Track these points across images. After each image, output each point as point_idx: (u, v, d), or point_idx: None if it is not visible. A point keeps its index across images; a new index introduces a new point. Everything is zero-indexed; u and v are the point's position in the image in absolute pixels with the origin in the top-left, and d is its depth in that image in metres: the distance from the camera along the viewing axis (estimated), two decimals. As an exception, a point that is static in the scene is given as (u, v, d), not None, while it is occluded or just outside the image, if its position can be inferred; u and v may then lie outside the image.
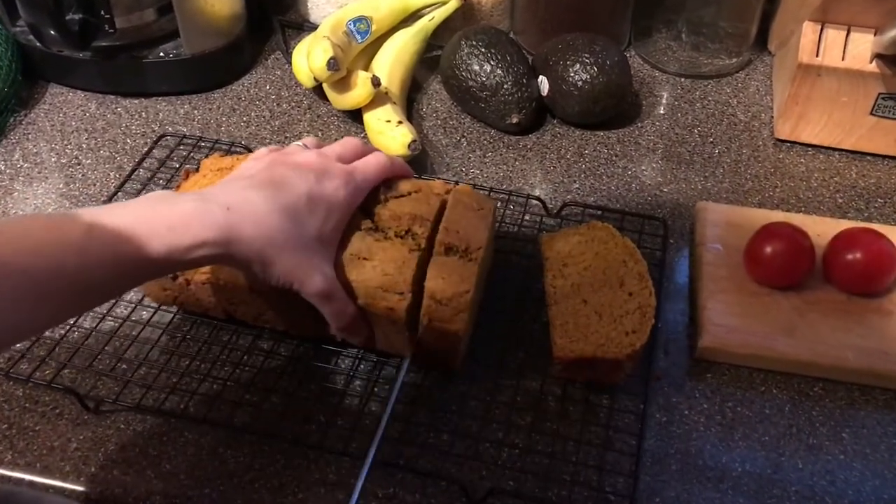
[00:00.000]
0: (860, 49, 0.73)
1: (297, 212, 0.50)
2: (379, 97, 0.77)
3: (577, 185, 0.75)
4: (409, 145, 0.73)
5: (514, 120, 0.78)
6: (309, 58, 0.75)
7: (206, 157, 0.72)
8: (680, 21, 0.88)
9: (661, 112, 0.83)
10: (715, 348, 0.60)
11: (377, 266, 0.55)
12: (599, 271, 0.60)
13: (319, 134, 0.80)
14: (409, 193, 0.59)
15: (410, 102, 0.84)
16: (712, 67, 0.88)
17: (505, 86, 0.78)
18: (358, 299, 0.54)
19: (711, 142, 0.80)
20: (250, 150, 0.75)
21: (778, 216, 0.68)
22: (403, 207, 0.58)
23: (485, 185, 0.73)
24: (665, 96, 0.85)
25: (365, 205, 0.58)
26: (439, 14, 0.85)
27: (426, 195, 0.59)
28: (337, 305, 0.52)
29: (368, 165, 0.56)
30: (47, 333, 0.60)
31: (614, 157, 0.78)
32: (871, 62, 0.72)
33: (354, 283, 0.54)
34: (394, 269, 0.54)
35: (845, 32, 0.73)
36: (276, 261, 0.49)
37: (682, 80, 0.87)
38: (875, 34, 0.72)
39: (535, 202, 0.70)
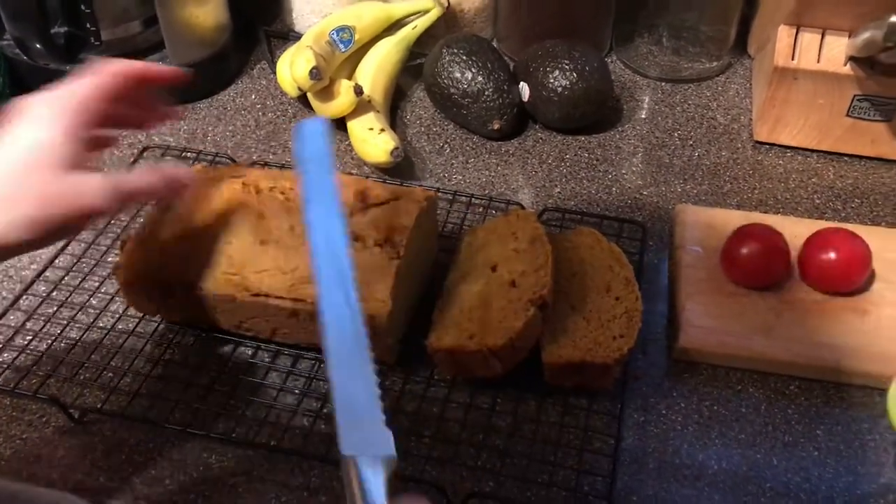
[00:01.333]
0: (835, 52, 0.74)
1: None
2: (362, 105, 0.78)
3: (559, 190, 0.76)
4: (391, 152, 0.74)
5: (496, 126, 0.79)
6: (292, 67, 0.76)
7: (191, 167, 0.73)
8: (661, 26, 0.89)
9: (642, 116, 0.84)
10: (692, 349, 0.61)
11: (357, 275, 0.55)
12: (586, 277, 0.61)
13: (304, 142, 0.81)
14: (389, 201, 0.60)
15: (394, 110, 0.85)
16: (693, 71, 0.89)
17: (486, 92, 0.79)
18: None
19: (691, 145, 0.81)
20: (234, 161, 0.76)
21: (756, 217, 0.69)
22: (382, 216, 0.59)
23: (467, 190, 0.74)
24: (646, 100, 0.86)
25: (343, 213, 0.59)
26: (421, 23, 0.86)
27: (406, 203, 0.60)
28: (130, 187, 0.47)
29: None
30: (33, 344, 0.61)
31: (595, 162, 0.79)
32: (845, 64, 0.73)
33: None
34: (374, 278, 0.55)
35: (820, 36, 0.74)
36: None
37: (663, 84, 0.88)
38: (849, 37, 0.73)
39: (514, 207, 0.70)
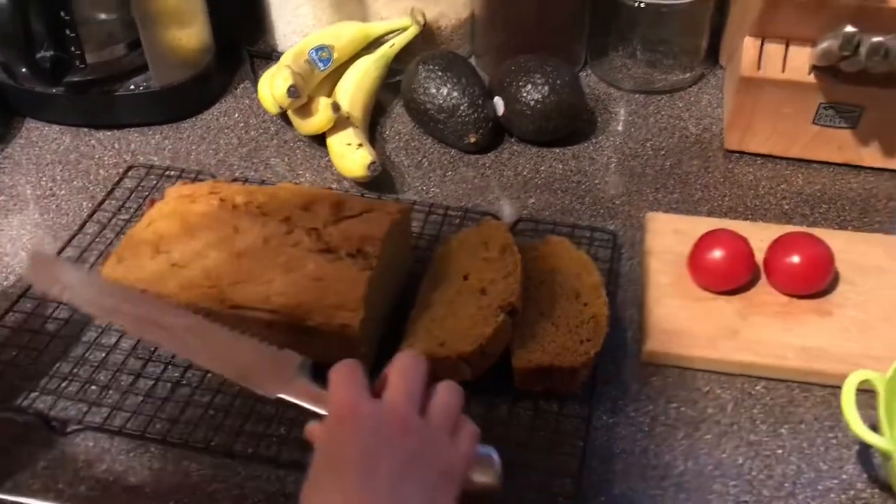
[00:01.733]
0: (799, 61, 0.76)
1: None
2: (341, 122, 0.80)
3: (534, 200, 0.78)
4: (368, 166, 0.76)
5: (472, 140, 0.81)
6: (271, 87, 0.78)
7: (173, 185, 0.75)
8: (634, 39, 0.91)
9: (616, 128, 0.86)
10: (660, 352, 0.62)
11: (330, 285, 0.57)
12: (556, 284, 0.63)
13: (285, 159, 0.83)
14: (361, 213, 0.62)
15: (374, 125, 0.87)
16: (666, 83, 0.91)
17: (461, 107, 0.81)
18: (312, 319, 0.56)
19: (663, 154, 0.82)
20: (214, 178, 0.77)
21: (724, 224, 0.70)
22: (355, 227, 0.61)
23: (444, 203, 0.76)
24: (620, 112, 0.88)
25: (316, 225, 0.60)
26: (399, 41, 0.88)
27: (378, 215, 0.62)
28: None
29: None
30: (18, 359, 0.62)
31: (569, 173, 0.81)
32: (809, 73, 0.75)
33: (308, 302, 0.57)
34: (346, 288, 0.57)
35: (784, 46, 0.76)
36: None
37: (637, 96, 0.90)
38: (812, 47, 0.75)
39: (487, 218, 0.72)
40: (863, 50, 0.66)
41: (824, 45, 0.70)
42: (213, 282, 0.58)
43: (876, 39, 0.66)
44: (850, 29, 0.66)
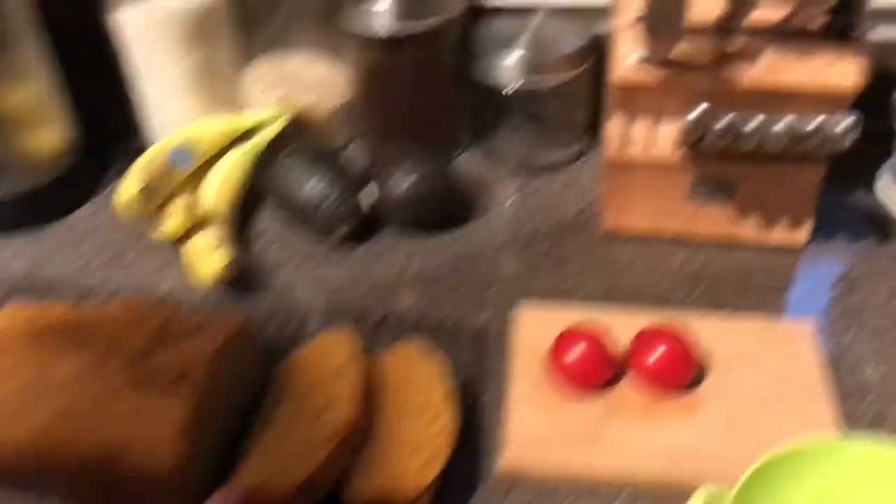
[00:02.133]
0: (666, 139, 0.74)
1: None
2: (200, 222, 0.76)
3: (406, 293, 0.74)
4: (224, 268, 0.72)
5: (341, 232, 0.78)
6: (120, 193, 0.74)
7: (27, 301, 0.71)
8: (517, 116, 0.89)
9: (495, 211, 0.84)
10: (516, 465, 0.58)
11: (145, 422, 0.53)
12: (405, 398, 0.59)
13: (147, 263, 0.79)
14: (194, 332, 0.58)
15: (245, 221, 0.84)
16: (548, 160, 0.89)
17: (329, 199, 0.77)
18: (123, 463, 0.52)
19: (541, 237, 0.80)
20: (66, 289, 0.73)
21: (596, 312, 0.67)
22: (182, 350, 0.57)
23: (312, 303, 0.73)
24: (500, 194, 0.86)
25: (138, 351, 0.56)
26: (267, 133, 0.85)
27: (211, 333, 0.58)
28: None
29: None
30: None
31: (444, 262, 0.77)
32: (676, 152, 0.73)
33: (119, 444, 0.52)
34: (162, 424, 0.53)
35: (650, 124, 0.74)
36: None
37: (519, 176, 0.88)
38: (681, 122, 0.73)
39: (340, 324, 0.68)
40: (715, 129, 0.65)
41: (680, 126, 0.68)
42: (16, 424, 0.54)
43: (726, 119, 0.64)
44: (700, 109, 0.64)
